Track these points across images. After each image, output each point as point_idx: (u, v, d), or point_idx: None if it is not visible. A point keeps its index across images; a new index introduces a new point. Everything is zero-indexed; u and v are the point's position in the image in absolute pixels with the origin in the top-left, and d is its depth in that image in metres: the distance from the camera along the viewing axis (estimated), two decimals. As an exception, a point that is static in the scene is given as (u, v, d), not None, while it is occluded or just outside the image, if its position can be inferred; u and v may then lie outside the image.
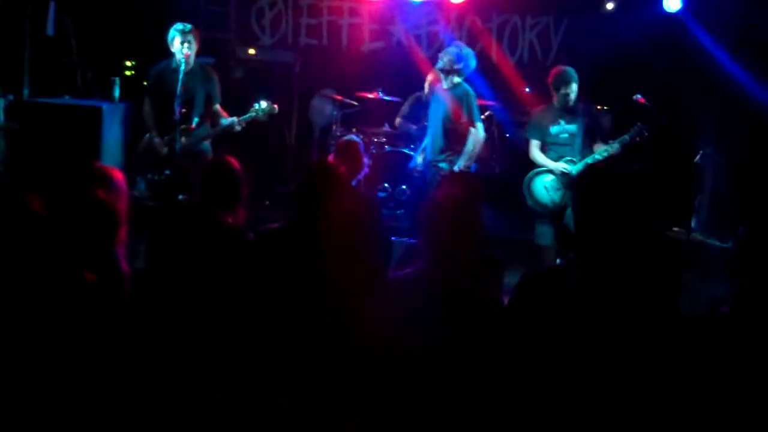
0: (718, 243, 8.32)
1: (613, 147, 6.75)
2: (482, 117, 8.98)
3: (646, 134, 6.74)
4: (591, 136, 6.90)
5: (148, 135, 6.98)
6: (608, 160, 6.70)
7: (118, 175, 4.17)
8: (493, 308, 3.44)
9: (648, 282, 3.19)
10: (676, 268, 3.70)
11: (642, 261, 3.25)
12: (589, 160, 6.75)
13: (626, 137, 6.76)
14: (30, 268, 3.12)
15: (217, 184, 4.33)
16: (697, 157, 7.80)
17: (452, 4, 9.55)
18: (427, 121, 7.51)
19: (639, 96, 7.11)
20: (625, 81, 8.60)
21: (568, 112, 6.87)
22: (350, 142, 6.01)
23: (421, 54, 9.42)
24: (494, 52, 10.01)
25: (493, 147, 9.16)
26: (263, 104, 6.89)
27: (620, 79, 8.88)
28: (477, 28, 10.00)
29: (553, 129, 6.89)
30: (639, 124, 6.76)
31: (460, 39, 9.87)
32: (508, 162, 9.17)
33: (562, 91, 6.79)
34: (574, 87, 6.80)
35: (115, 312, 3.34)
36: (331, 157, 6.01)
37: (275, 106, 6.93)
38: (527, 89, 9.60)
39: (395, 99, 9.05)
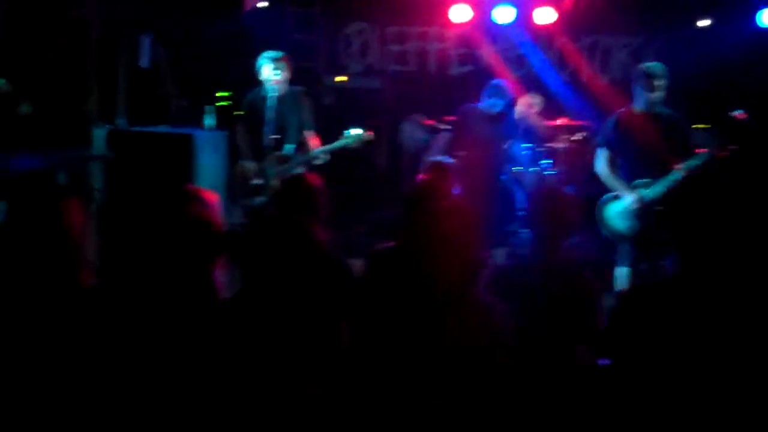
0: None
1: (688, 166, 5.94)
2: (577, 138, 8.89)
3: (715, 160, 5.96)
4: (669, 149, 6.01)
5: (240, 162, 7.03)
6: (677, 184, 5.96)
7: (211, 197, 4.19)
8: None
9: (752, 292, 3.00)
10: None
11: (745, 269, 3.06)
12: (661, 186, 6.00)
13: (702, 157, 5.99)
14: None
15: (295, 198, 4.31)
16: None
17: (540, 25, 9.46)
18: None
19: (738, 111, 6.67)
20: (721, 98, 8.34)
21: (645, 118, 6.04)
22: (439, 164, 5.93)
23: (510, 76, 9.31)
24: (586, 73, 9.87)
25: (586, 168, 8.96)
26: (355, 131, 6.78)
27: (716, 96, 8.63)
28: (567, 49, 9.88)
29: (626, 138, 6.11)
30: (709, 150, 5.99)
31: (550, 60, 9.79)
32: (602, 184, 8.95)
33: (655, 85, 5.97)
34: (663, 83, 6.00)
35: (209, 330, 3.34)
36: (420, 178, 5.94)
37: (370, 133, 6.83)
38: (621, 110, 9.41)
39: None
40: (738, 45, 8.70)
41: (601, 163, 6.31)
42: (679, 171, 5.96)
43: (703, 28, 9.33)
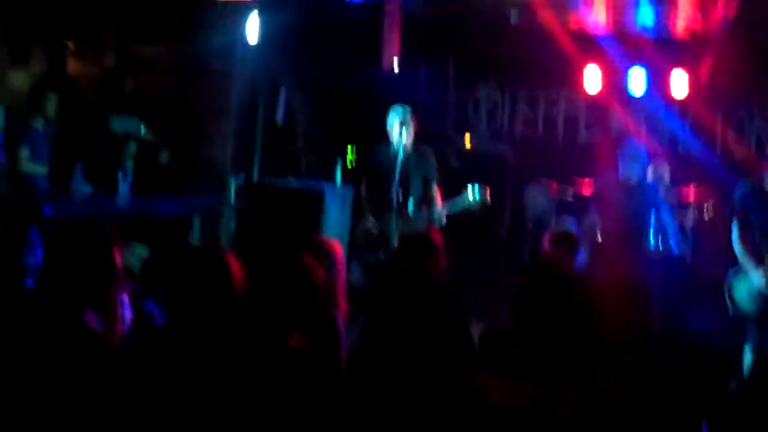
0: None
1: None
2: (706, 211, 8.63)
3: None
4: None
5: (364, 218, 7.11)
6: None
7: (336, 248, 4.28)
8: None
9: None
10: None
11: None
12: None
13: None
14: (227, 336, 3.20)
15: (416, 253, 4.35)
16: None
17: (674, 95, 9.29)
18: None
19: None
20: None
21: None
22: (563, 232, 5.87)
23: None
24: (720, 145, 9.62)
25: (716, 246, 8.70)
26: (474, 192, 6.78)
27: None
28: (702, 119, 9.66)
29: (751, 215, 5.82)
30: None
31: (684, 130, 9.61)
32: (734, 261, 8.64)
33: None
34: None
35: (329, 381, 3.38)
36: (546, 245, 5.89)
37: (488, 197, 6.82)
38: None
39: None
40: None
41: (737, 237, 5.97)
42: None
43: None
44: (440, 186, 7.14)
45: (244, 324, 3.29)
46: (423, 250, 4.45)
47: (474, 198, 6.76)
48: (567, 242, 5.71)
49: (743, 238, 5.90)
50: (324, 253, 4.19)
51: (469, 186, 6.80)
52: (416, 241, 4.58)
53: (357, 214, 7.35)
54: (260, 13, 8.00)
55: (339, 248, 4.37)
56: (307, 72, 8.97)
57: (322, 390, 3.28)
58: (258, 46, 8.13)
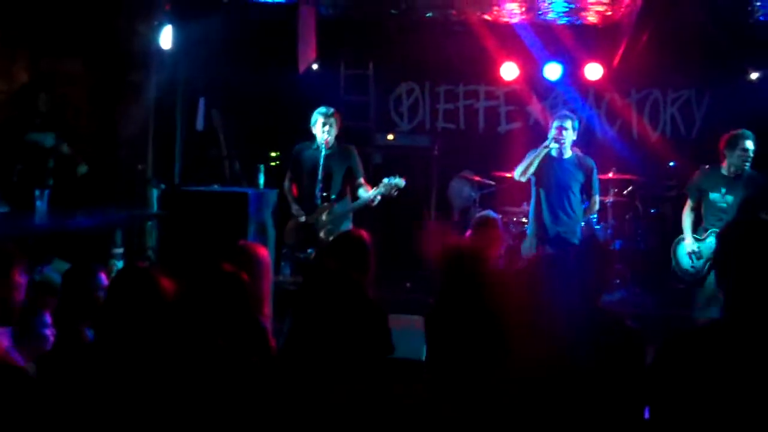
0: None
1: None
2: (625, 193, 8.86)
3: None
4: (750, 209, 6.41)
5: (293, 216, 7.16)
6: None
7: (262, 251, 4.29)
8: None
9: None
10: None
11: None
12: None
13: None
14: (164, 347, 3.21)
15: (345, 254, 4.39)
16: None
17: (590, 81, 9.52)
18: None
19: None
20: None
21: (732, 180, 6.48)
22: (487, 218, 5.95)
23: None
24: (635, 127, 9.92)
25: (637, 223, 8.94)
26: (389, 180, 6.87)
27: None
28: (616, 104, 9.93)
29: (712, 195, 6.55)
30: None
31: (600, 115, 9.84)
32: (653, 238, 8.90)
33: (740, 148, 6.41)
34: (751, 145, 6.44)
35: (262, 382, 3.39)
36: (467, 233, 5.96)
37: (402, 179, 6.88)
38: (671, 164, 9.40)
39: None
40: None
41: (686, 213, 6.79)
42: None
43: (753, 82, 9.28)
44: (367, 178, 7.23)
45: (172, 333, 3.30)
46: (352, 250, 4.48)
47: (390, 185, 6.82)
48: (487, 226, 5.79)
49: (700, 211, 6.68)
50: (249, 259, 4.20)
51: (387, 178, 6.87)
52: (345, 240, 4.60)
53: (284, 215, 7.38)
54: (174, 21, 7.93)
55: (264, 252, 4.38)
56: (224, 77, 8.93)
57: (250, 392, 3.30)
58: (173, 53, 8.06)
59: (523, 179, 7.00)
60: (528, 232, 7.30)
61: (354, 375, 3.80)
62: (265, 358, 3.87)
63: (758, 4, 8.38)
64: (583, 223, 7.76)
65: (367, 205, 6.96)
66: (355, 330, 4.02)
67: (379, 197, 6.88)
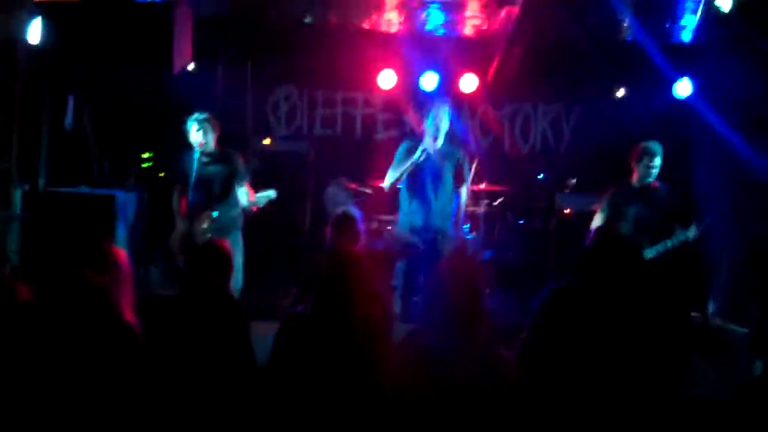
0: (738, 328, 8.18)
1: (688, 234, 6.72)
2: (496, 204, 9.07)
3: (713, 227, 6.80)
4: (666, 220, 6.80)
5: (177, 226, 7.02)
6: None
7: (121, 254, 4.20)
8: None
9: (651, 352, 3.15)
10: (686, 345, 3.64)
11: (647, 330, 3.22)
12: (659, 248, 6.70)
13: (705, 222, 6.76)
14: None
15: (207, 262, 4.35)
16: (715, 240, 7.73)
17: (464, 93, 9.69)
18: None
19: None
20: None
21: (645, 192, 6.81)
22: (346, 215, 5.98)
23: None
24: (507, 140, 10.17)
25: (506, 233, 9.16)
26: (261, 193, 6.99)
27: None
28: (490, 116, 10.16)
29: (629, 210, 6.81)
30: (707, 221, 6.77)
31: (473, 127, 10.04)
32: (521, 248, 9.14)
33: (645, 163, 6.75)
34: (658, 161, 6.77)
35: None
36: (327, 231, 5.98)
37: (273, 191, 7.02)
38: (540, 176, 9.69)
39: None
40: (653, 115, 9.02)
41: (595, 222, 6.92)
42: (686, 233, 6.74)
43: (620, 99, 9.66)
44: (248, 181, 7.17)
45: (26, 338, 3.22)
46: (211, 262, 4.43)
47: (263, 198, 6.87)
48: (346, 222, 5.83)
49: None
50: (107, 261, 4.12)
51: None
52: (204, 253, 4.55)
53: (159, 218, 7.26)
54: (43, 16, 7.64)
55: (123, 255, 4.30)
56: (96, 75, 8.68)
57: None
58: (42, 50, 7.77)
59: (392, 187, 7.24)
60: (399, 221, 7.44)
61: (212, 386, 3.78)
62: (131, 363, 3.78)
63: (625, 25, 8.73)
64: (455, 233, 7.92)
65: (244, 212, 6.96)
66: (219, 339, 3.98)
67: (252, 208, 6.88)
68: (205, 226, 6.79)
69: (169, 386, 3.84)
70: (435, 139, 7.10)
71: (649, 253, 6.63)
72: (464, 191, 7.28)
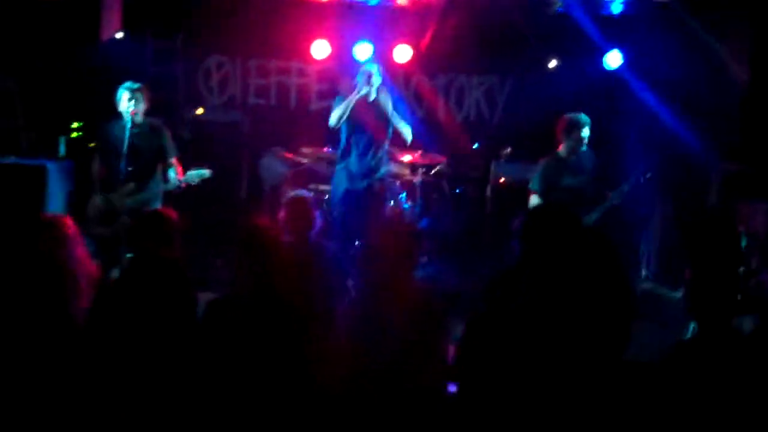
0: (668, 292, 8.40)
1: (619, 193, 6.89)
2: (432, 173, 9.12)
3: (649, 175, 6.90)
4: (600, 184, 6.94)
5: (95, 195, 6.89)
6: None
7: (68, 222, 4.11)
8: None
9: (596, 322, 3.20)
10: (627, 312, 3.71)
11: (592, 299, 3.26)
12: (594, 215, 6.82)
13: (629, 182, 6.91)
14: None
15: (152, 232, 4.28)
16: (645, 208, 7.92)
17: (398, 63, 9.69)
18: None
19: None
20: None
21: (575, 162, 6.89)
22: (299, 198, 5.95)
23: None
24: (441, 110, 10.21)
25: (443, 202, 9.23)
26: (196, 171, 6.87)
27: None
28: (424, 87, 10.18)
29: (563, 181, 6.86)
30: (640, 166, 6.89)
31: (407, 97, 10.05)
32: (457, 217, 9.23)
33: (575, 135, 6.81)
34: (587, 131, 6.84)
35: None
36: (281, 214, 5.95)
37: (207, 170, 6.90)
38: (475, 146, 9.76)
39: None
40: (585, 86, 9.15)
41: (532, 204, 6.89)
42: (618, 192, 6.93)
43: (552, 70, 9.77)
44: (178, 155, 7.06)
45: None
46: (156, 232, 4.35)
47: (194, 176, 6.79)
48: (299, 206, 5.80)
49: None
50: (59, 233, 4.03)
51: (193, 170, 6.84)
52: (149, 223, 4.46)
53: (86, 189, 7.10)
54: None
55: (70, 221, 4.20)
56: (23, 43, 8.44)
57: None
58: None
59: (339, 125, 7.49)
60: (337, 168, 7.71)
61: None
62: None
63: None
64: (392, 202, 8.00)
65: (174, 190, 6.83)
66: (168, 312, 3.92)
67: (184, 185, 6.79)
68: (129, 201, 6.66)
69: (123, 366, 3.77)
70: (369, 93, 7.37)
71: (587, 220, 6.74)
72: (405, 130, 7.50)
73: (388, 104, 7.52)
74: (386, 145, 7.66)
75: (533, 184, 6.98)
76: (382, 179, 7.59)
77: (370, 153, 7.50)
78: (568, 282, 3.17)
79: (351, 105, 7.35)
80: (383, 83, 7.61)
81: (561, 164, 6.93)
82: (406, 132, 7.49)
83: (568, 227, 3.51)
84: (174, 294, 3.97)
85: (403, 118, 7.56)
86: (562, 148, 6.96)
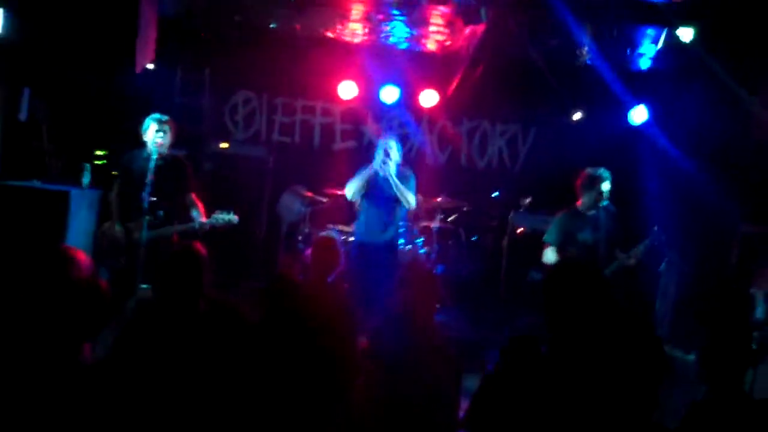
0: (682, 354, 8.32)
1: (635, 254, 6.77)
2: (450, 219, 9.13)
3: (663, 238, 6.80)
4: (613, 243, 6.84)
5: (107, 223, 6.90)
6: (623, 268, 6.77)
7: (83, 257, 4.12)
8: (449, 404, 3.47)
9: (624, 385, 3.14)
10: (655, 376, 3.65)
11: (620, 360, 3.20)
12: (612, 268, 6.73)
13: (646, 244, 6.80)
14: None
15: (181, 271, 4.27)
16: (662, 265, 7.85)
17: (424, 107, 9.76)
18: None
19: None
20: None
21: (593, 217, 6.83)
22: (328, 238, 5.97)
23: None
24: (464, 156, 10.24)
25: (459, 250, 9.23)
26: (222, 214, 6.86)
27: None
28: (448, 132, 10.23)
29: (580, 236, 6.83)
30: (655, 228, 6.81)
31: (432, 141, 10.10)
32: (474, 265, 9.22)
33: (595, 190, 6.78)
34: (608, 186, 6.81)
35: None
36: (308, 253, 5.98)
37: (235, 217, 6.90)
38: (495, 194, 9.78)
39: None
40: (608, 140, 9.16)
41: (551, 257, 6.84)
42: (633, 252, 6.80)
43: (576, 122, 9.79)
44: (198, 190, 7.08)
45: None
46: (188, 268, 4.34)
47: (221, 218, 6.79)
48: (328, 246, 5.82)
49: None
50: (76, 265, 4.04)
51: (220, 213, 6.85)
52: (182, 259, 4.44)
53: (105, 217, 7.13)
54: (4, 8, 7.50)
55: (86, 257, 4.21)
56: (55, 68, 8.54)
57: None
58: (2, 40, 7.62)
59: (356, 198, 7.45)
60: (355, 241, 7.70)
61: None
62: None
63: (585, 48, 8.85)
64: (410, 246, 8.00)
65: (194, 231, 6.78)
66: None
67: (208, 227, 6.78)
68: (146, 230, 6.60)
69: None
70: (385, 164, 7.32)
71: None
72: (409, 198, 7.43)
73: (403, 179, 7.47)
74: (399, 217, 7.70)
75: (548, 235, 6.95)
76: (394, 246, 7.60)
77: (387, 215, 7.51)
78: (594, 342, 3.11)
79: (367, 179, 7.38)
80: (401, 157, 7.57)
81: (578, 218, 6.90)
82: (410, 199, 7.42)
83: (594, 285, 3.44)
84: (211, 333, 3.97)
85: (410, 187, 7.52)
86: (581, 202, 6.94)
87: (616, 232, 6.88)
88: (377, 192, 7.42)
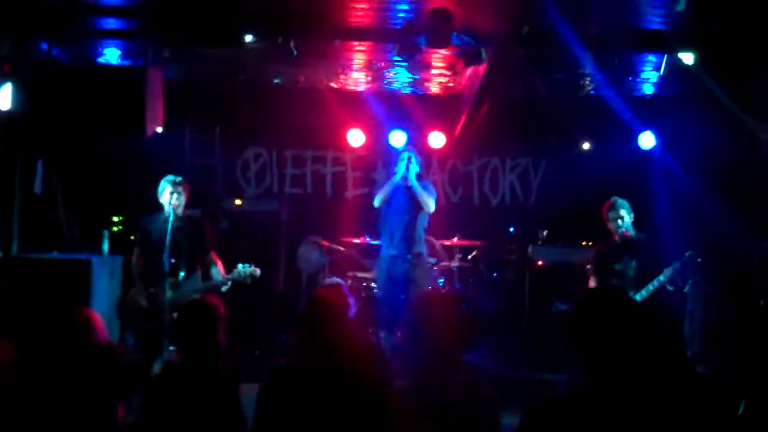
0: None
1: (664, 276, 6.75)
2: (469, 258, 9.13)
3: (698, 260, 6.79)
4: (646, 268, 6.86)
5: (132, 290, 6.94)
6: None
7: (96, 318, 4.13)
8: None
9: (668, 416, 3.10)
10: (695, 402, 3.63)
11: (662, 393, 3.17)
12: (643, 293, 6.73)
13: (676, 265, 6.76)
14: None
15: (199, 323, 4.26)
16: (686, 286, 7.81)
17: (433, 148, 9.82)
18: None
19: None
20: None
21: (628, 245, 6.87)
22: (333, 285, 5.97)
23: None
24: (477, 194, 10.28)
25: (481, 286, 9.22)
26: (245, 267, 6.84)
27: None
28: (459, 171, 10.28)
29: (617, 266, 6.88)
30: (690, 253, 6.79)
31: (443, 182, 10.14)
32: (496, 301, 9.20)
33: (612, 218, 6.86)
34: (623, 213, 6.83)
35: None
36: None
37: (257, 269, 6.90)
38: (511, 229, 9.79)
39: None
40: (618, 167, 9.18)
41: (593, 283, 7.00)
42: (662, 276, 6.76)
43: (585, 152, 9.83)
44: (217, 248, 7.11)
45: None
46: (203, 323, 4.34)
47: (243, 271, 6.80)
48: (333, 293, 5.82)
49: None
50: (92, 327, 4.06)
51: (242, 266, 6.84)
52: (196, 313, 4.44)
53: (128, 283, 7.16)
54: (14, 80, 7.62)
55: (98, 318, 4.22)
56: (67, 139, 8.65)
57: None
58: (11, 114, 7.73)
59: (382, 205, 7.80)
60: (381, 253, 7.87)
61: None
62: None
63: (588, 79, 8.93)
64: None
65: (217, 288, 6.77)
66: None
67: (230, 283, 6.81)
68: (170, 293, 6.62)
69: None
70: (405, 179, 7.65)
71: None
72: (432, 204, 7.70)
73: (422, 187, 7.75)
74: (422, 226, 7.80)
75: (590, 268, 7.10)
76: (419, 254, 7.74)
77: (406, 231, 7.69)
78: (632, 370, 3.07)
79: (392, 186, 7.69)
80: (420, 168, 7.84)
81: (612, 248, 6.97)
82: (430, 203, 7.66)
83: (625, 310, 3.39)
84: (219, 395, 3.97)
85: (430, 193, 7.71)
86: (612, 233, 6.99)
87: (649, 255, 6.89)
88: (399, 199, 7.69)
